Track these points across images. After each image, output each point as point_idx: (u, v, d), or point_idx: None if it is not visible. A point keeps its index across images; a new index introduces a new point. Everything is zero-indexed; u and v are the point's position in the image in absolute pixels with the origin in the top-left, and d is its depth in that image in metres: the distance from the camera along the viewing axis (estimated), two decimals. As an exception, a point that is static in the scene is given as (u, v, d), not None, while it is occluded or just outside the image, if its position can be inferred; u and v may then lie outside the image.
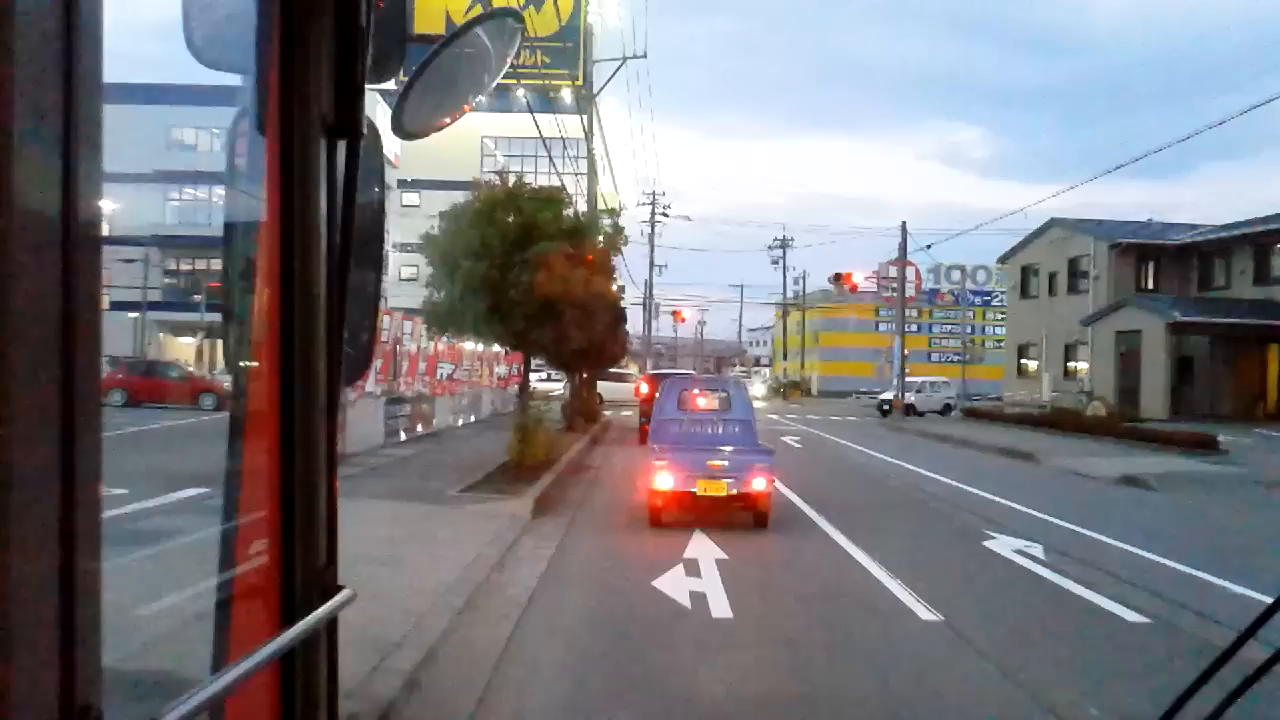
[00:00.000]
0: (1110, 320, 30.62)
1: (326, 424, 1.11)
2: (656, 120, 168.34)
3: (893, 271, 36.90)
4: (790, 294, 70.26)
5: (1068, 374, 35.55)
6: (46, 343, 0.61)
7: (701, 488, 10.45)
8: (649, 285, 60.69)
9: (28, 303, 0.59)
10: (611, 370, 45.39)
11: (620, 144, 75.70)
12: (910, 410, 37.56)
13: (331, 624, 1.12)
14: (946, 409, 39.73)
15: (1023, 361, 39.67)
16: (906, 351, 67.82)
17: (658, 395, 13.28)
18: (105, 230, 0.70)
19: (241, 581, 1.16)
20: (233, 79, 1.12)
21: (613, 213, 16.86)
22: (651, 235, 60.07)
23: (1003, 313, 72.35)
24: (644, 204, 60.14)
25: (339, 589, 1.12)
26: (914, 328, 75.80)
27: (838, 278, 35.35)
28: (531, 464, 15.24)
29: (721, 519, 10.92)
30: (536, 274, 13.33)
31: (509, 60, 1.46)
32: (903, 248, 36.60)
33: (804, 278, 71.21)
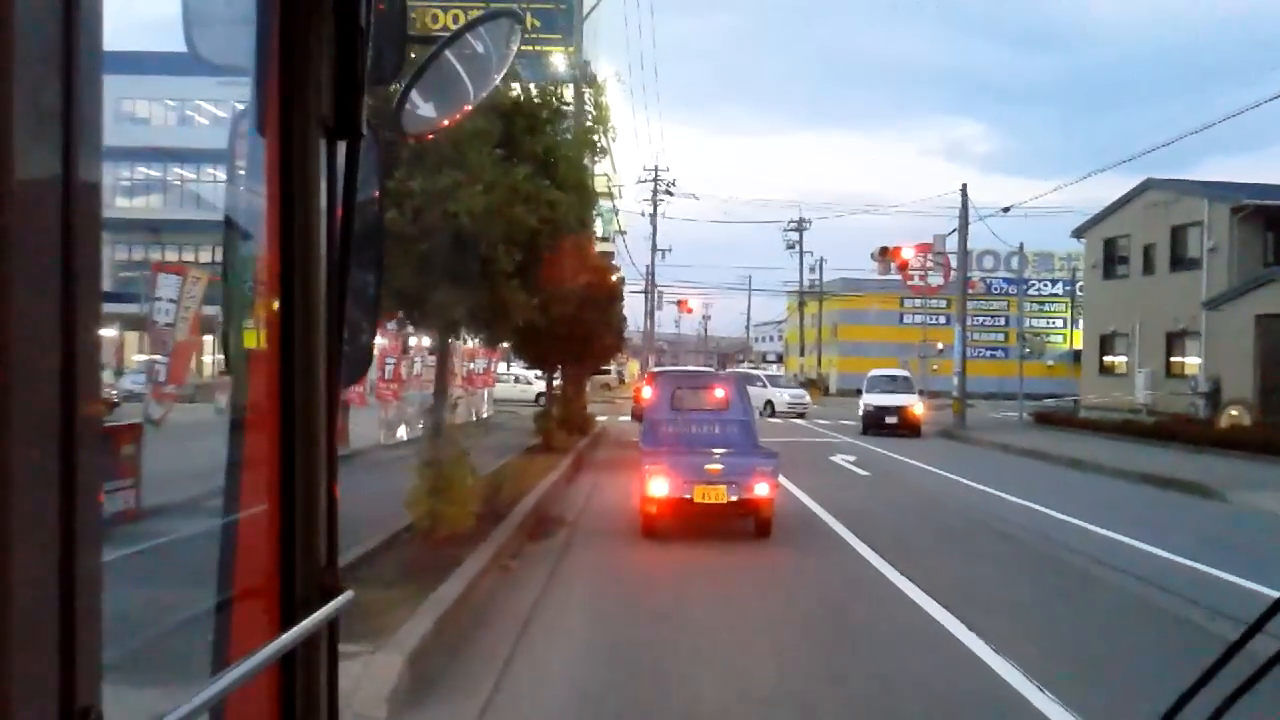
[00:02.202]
0: (1245, 301, 23.85)
1: (326, 424, 1.10)
2: (655, 114, 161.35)
3: (949, 246, 30.16)
4: (805, 285, 63.48)
5: (1171, 371, 28.72)
6: (46, 340, 0.60)
7: (699, 494, 9.58)
8: (650, 271, 54.01)
9: (28, 301, 0.59)
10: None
11: (622, 124, 68.43)
12: (882, 422, 26.33)
13: (332, 625, 1.10)
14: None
15: (1106, 357, 32.74)
16: (941, 345, 61.32)
17: (651, 394, 12.39)
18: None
19: (242, 582, 1.16)
20: (232, 79, 1.11)
21: (592, 87, 9.88)
22: (654, 215, 53.45)
23: (1040, 302, 66.14)
24: (645, 180, 53.52)
25: (340, 590, 1.10)
26: (941, 319, 69.59)
27: (883, 252, 28.66)
28: (452, 531, 8.58)
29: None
30: (434, 180, 6.55)
31: (509, 61, 1.44)
32: (963, 216, 29.83)
33: (820, 265, 64.48)
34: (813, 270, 64.38)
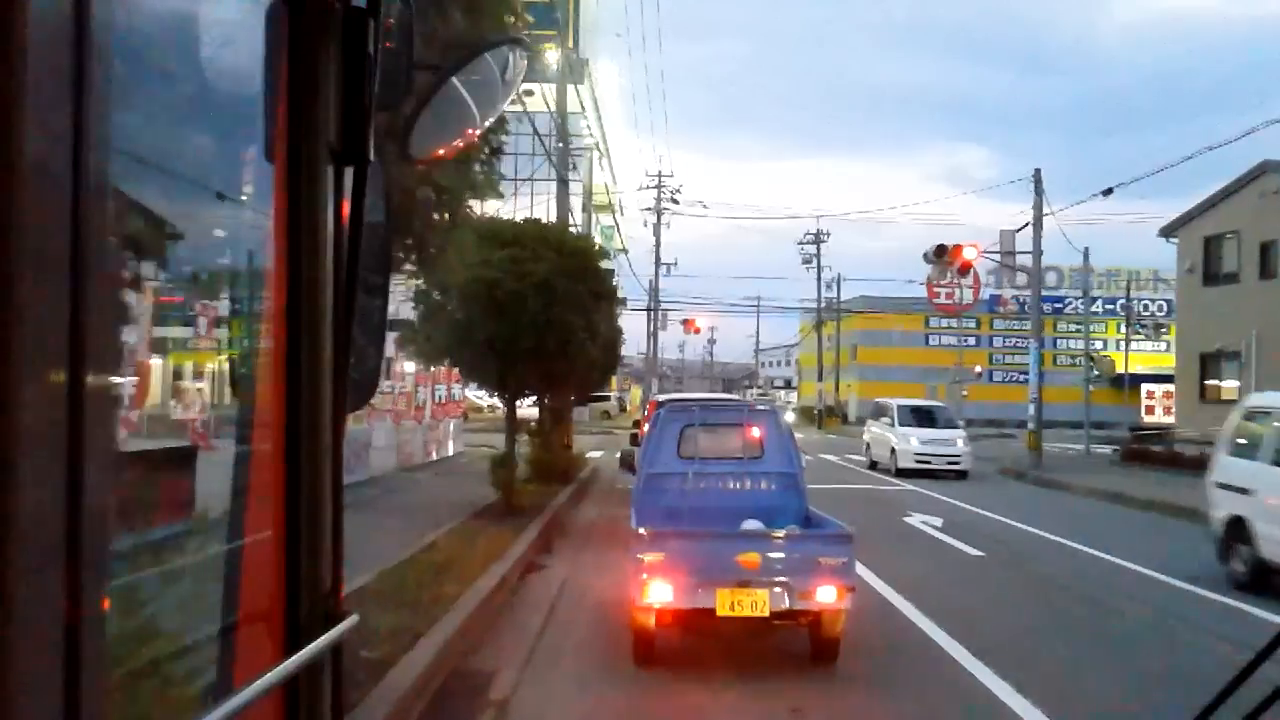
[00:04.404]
0: None
1: (332, 450, 1.09)
2: (660, 106, 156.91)
3: (1023, 243, 24.73)
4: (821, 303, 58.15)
5: (1300, 397, 23.22)
6: (56, 350, 0.60)
7: (725, 602, 6.28)
8: (655, 285, 48.67)
9: (36, 306, 0.58)
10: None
11: (619, 127, 63.15)
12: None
13: (336, 651, 1.09)
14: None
15: (1209, 380, 27.12)
16: (979, 369, 55.54)
17: (647, 434, 8.80)
18: None
19: (246, 607, 1.15)
20: (241, 104, 1.13)
21: None
22: (658, 225, 48.12)
23: (1077, 322, 60.78)
24: (648, 187, 48.27)
25: (344, 615, 1.09)
26: (971, 340, 64.22)
27: (940, 252, 23.34)
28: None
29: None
30: None
31: (515, 87, 1.45)
32: (1038, 208, 24.43)
33: (838, 281, 59.12)
34: (829, 287, 59.21)
